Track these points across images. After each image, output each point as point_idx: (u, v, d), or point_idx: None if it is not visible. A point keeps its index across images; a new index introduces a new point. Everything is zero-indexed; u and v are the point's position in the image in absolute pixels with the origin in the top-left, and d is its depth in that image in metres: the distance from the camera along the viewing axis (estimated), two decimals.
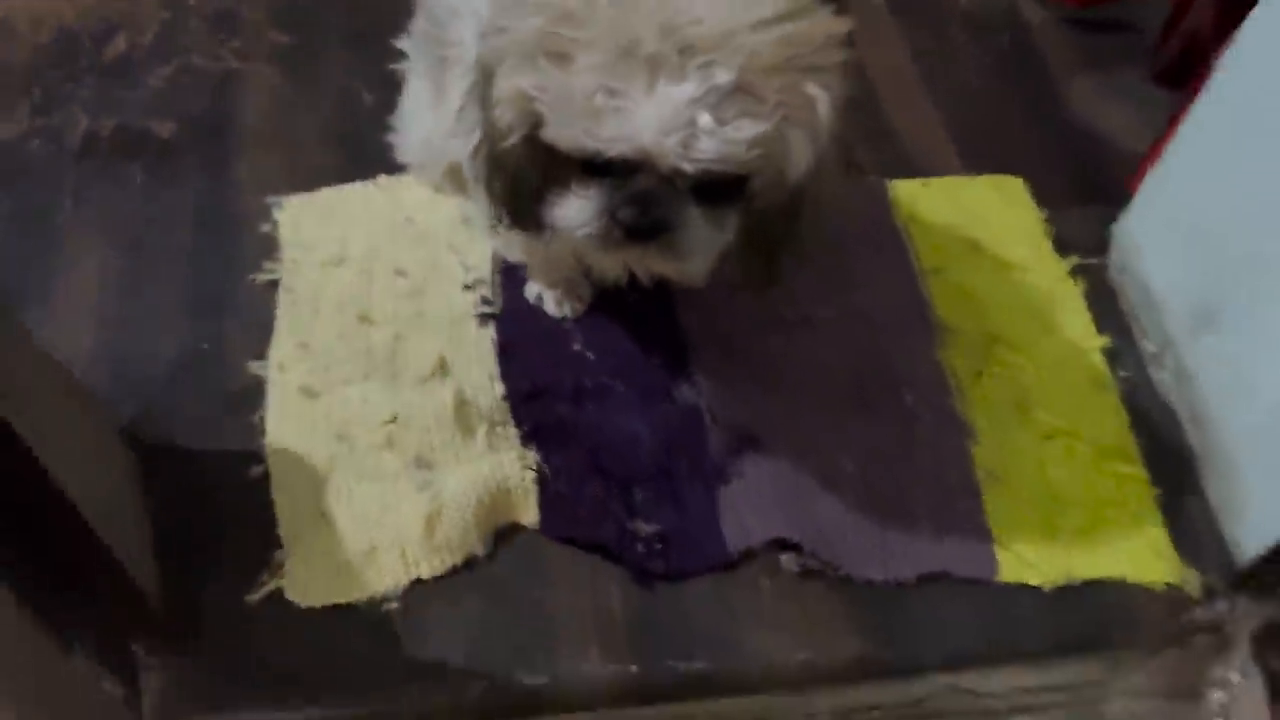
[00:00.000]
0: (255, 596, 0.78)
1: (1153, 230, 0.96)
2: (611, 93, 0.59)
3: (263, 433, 0.88)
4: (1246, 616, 0.80)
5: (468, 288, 0.99)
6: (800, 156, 0.63)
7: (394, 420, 0.88)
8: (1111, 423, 0.92)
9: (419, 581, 0.80)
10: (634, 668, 0.77)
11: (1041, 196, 1.09)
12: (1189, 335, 0.90)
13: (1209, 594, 0.82)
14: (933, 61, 1.22)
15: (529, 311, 0.97)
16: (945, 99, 1.18)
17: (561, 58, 0.61)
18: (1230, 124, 0.85)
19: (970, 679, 0.80)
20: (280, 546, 0.80)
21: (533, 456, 0.85)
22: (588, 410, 0.89)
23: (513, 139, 0.66)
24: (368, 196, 1.06)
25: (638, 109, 0.59)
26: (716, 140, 0.59)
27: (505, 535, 0.83)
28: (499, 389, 0.90)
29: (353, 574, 0.79)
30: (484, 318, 0.97)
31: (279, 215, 1.04)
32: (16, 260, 0.99)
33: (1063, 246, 1.06)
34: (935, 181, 1.10)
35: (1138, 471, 0.89)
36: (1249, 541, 0.82)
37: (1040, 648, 0.81)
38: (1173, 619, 0.81)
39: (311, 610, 0.78)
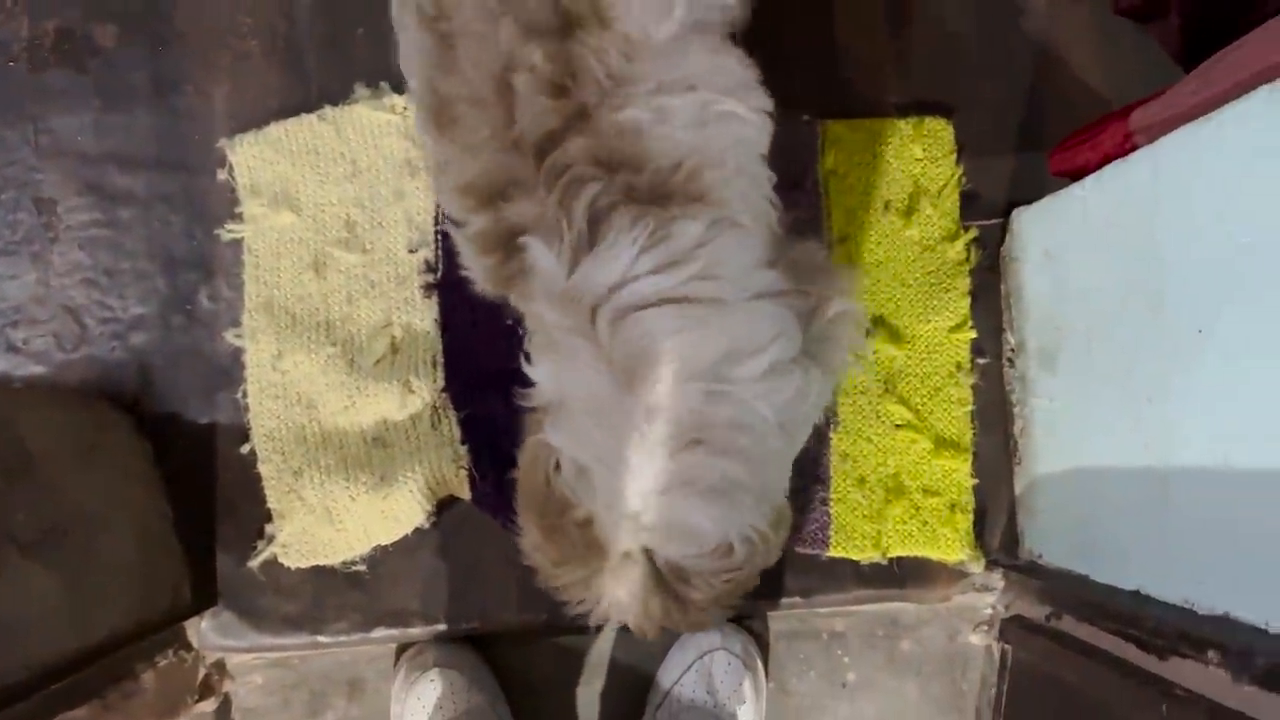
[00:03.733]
0: (255, 563, 1.05)
1: (1037, 241, 1.04)
2: None
3: (246, 408, 1.07)
4: (1007, 604, 1.06)
5: (411, 251, 1.10)
6: None
7: (352, 403, 1.06)
8: (956, 414, 1.09)
9: (380, 546, 1.05)
10: (544, 615, 1.05)
11: (969, 137, 1.12)
12: (1034, 356, 1.04)
13: (986, 577, 1.07)
14: None
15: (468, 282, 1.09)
16: (899, 8, 1.14)
17: None
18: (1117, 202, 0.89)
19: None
20: (270, 520, 1.05)
21: (464, 455, 1.05)
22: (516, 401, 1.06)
23: None
24: (315, 132, 1.12)
25: None
26: None
27: (445, 503, 1.07)
28: (440, 380, 1.07)
29: (328, 543, 1.05)
30: (428, 288, 1.10)
31: (233, 158, 1.11)
32: None
33: (972, 204, 1.12)
34: (863, 124, 1.13)
35: (964, 465, 1.08)
36: (1030, 544, 1.05)
37: (847, 598, 1.08)
38: (947, 588, 1.07)
39: (300, 570, 1.05)
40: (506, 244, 0.71)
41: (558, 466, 0.70)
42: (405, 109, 1.10)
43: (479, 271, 0.76)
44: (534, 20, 0.67)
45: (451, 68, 0.71)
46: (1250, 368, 0.70)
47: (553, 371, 0.70)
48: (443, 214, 1.08)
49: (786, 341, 0.70)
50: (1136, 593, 0.85)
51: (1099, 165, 0.96)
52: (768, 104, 0.76)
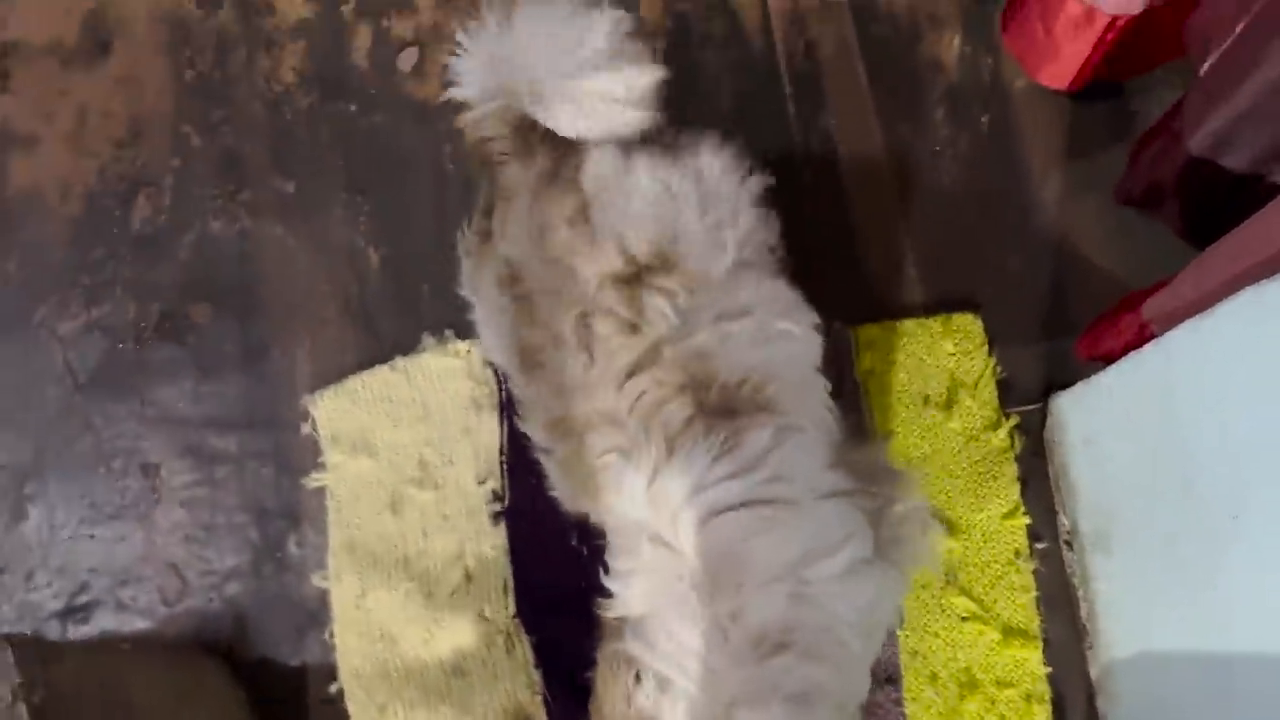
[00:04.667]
0: None
1: (1075, 426, 1.07)
2: None
3: (333, 648, 1.13)
4: None
5: (480, 483, 1.17)
6: None
7: (431, 636, 1.11)
8: (1021, 601, 1.10)
9: None
10: None
11: (998, 327, 1.18)
12: (1088, 539, 1.05)
13: None
14: (908, 157, 1.24)
15: (533, 505, 1.16)
16: (916, 212, 1.22)
17: None
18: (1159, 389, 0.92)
19: None
20: None
21: (538, 680, 1.09)
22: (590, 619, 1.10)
23: None
24: (388, 381, 1.22)
25: None
26: None
27: None
28: (511, 606, 1.12)
29: None
30: (496, 516, 1.16)
31: (315, 413, 1.21)
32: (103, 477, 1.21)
33: (1009, 392, 1.16)
34: (894, 326, 1.19)
35: (1035, 654, 1.08)
36: None
37: None
38: None
39: None
40: (591, 465, 0.78)
41: (638, 678, 0.72)
42: (469, 352, 1.20)
43: (565, 491, 0.83)
44: (610, 270, 0.76)
45: (532, 320, 0.80)
46: None
47: (633, 581, 0.74)
48: (505, 444, 1.16)
49: (860, 540, 0.75)
50: None
51: (1123, 351, 1.01)
52: (816, 319, 0.83)
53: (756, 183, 0.83)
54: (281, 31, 1.36)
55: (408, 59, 1.33)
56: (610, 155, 0.79)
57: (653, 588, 0.73)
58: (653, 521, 0.72)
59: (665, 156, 0.79)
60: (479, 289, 0.89)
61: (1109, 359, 1.04)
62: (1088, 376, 1.10)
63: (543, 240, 0.80)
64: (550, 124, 0.81)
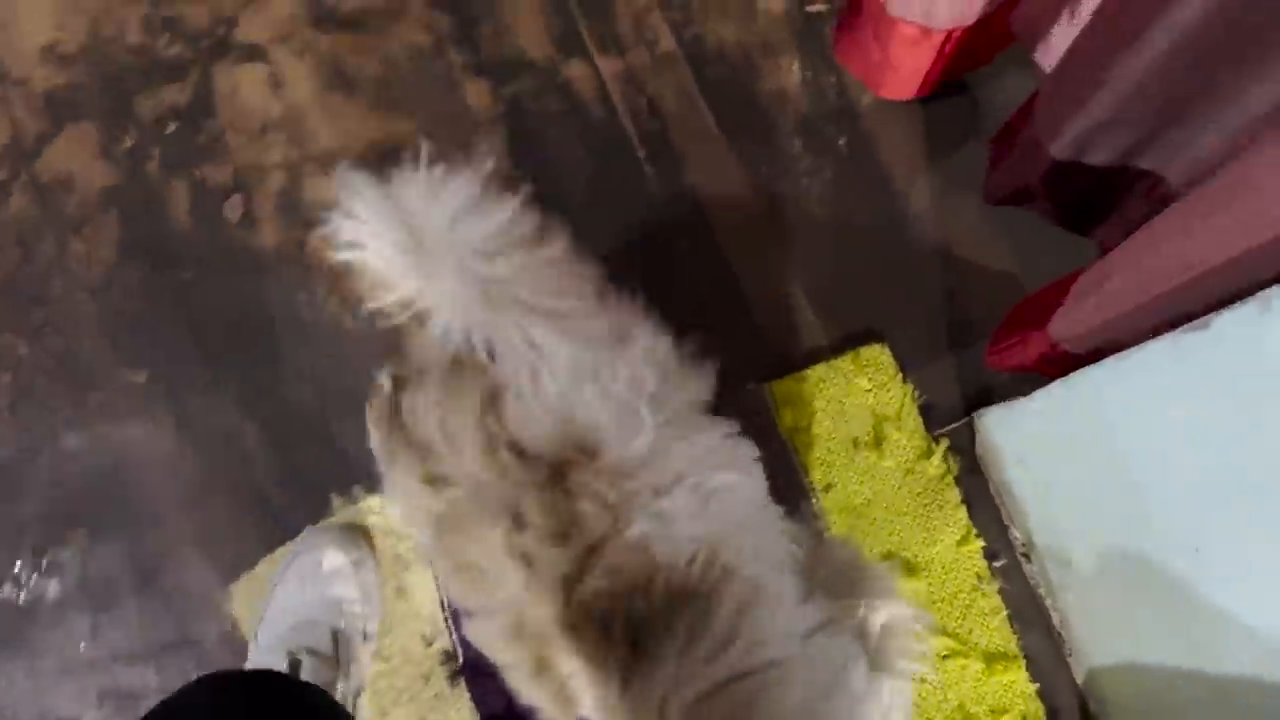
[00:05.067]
0: None
1: (1005, 444, 1.06)
2: None
3: None
4: None
5: (428, 644, 1.11)
6: None
7: None
8: (994, 624, 1.09)
9: None
10: None
11: (906, 352, 1.16)
12: (1045, 554, 1.05)
13: None
14: (776, 196, 1.21)
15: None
16: (798, 251, 1.19)
17: None
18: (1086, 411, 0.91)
19: None
20: None
21: None
22: None
23: None
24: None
25: None
26: None
27: None
28: None
29: None
30: (454, 676, 1.10)
31: (234, 610, 1.12)
32: None
33: (932, 414, 1.15)
34: (805, 374, 1.16)
35: (1020, 674, 1.07)
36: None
37: None
38: None
39: None
40: (554, 681, 0.72)
41: None
42: (383, 508, 1.13)
43: (534, 700, 0.77)
44: (530, 478, 0.70)
45: (457, 527, 0.74)
46: (1257, 584, 0.71)
47: None
48: (444, 597, 1.10)
49: (856, 664, 0.71)
50: None
51: (1035, 364, 1.00)
52: (754, 451, 0.79)
53: (665, 344, 0.78)
54: (87, 207, 1.24)
55: (233, 208, 1.23)
56: (515, 333, 0.73)
57: None
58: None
59: (569, 330, 0.73)
60: (394, 477, 0.81)
61: (1021, 370, 1.04)
62: (1006, 382, 1.09)
63: (456, 436, 0.73)
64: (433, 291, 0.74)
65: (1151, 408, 0.76)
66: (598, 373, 0.72)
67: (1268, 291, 0.61)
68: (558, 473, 0.71)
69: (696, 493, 0.72)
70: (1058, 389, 0.91)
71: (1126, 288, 0.82)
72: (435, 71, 1.25)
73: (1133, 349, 0.76)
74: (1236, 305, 0.63)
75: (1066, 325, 0.92)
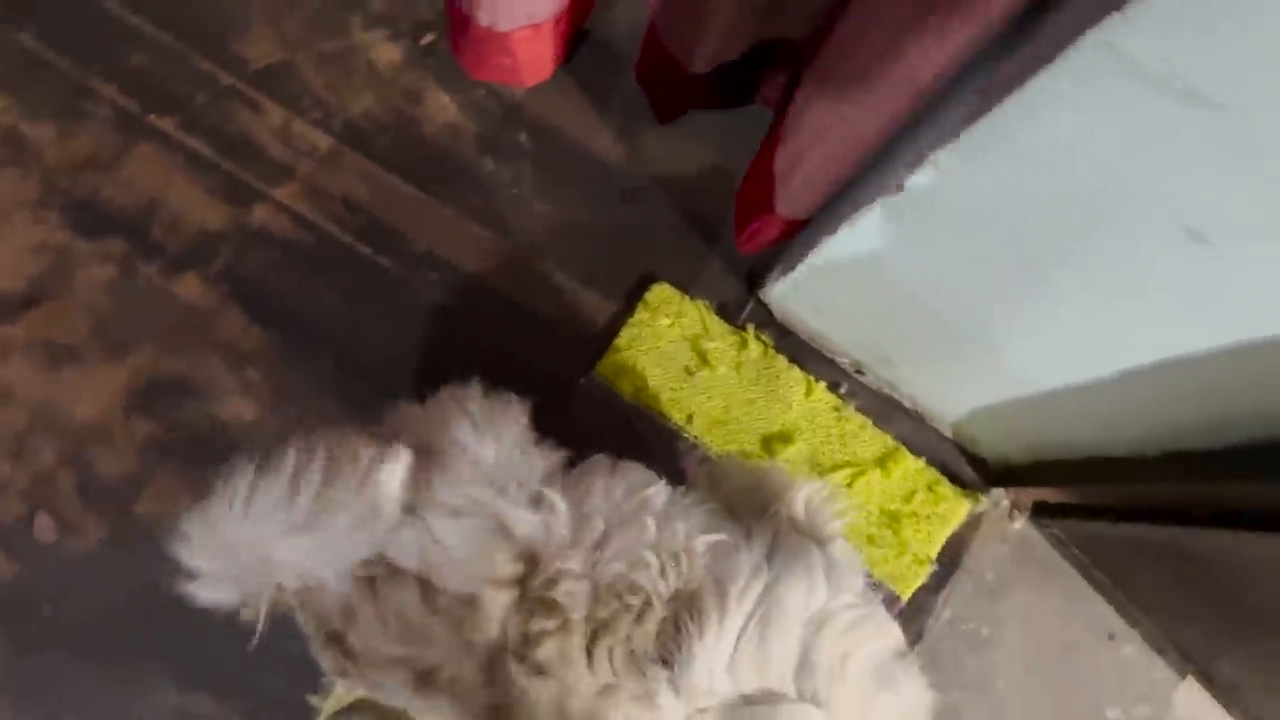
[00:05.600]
0: None
1: (800, 303, 1.22)
2: None
3: None
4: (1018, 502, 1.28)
5: None
6: None
7: None
8: (866, 435, 1.28)
9: None
10: None
11: (681, 277, 1.29)
12: (873, 365, 1.24)
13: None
14: (502, 218, 1.29)
15: None
16: (548, 252, 1.29)
17: None
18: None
19: None
20: None
21: None
22: None
23: None
24: None
25: None
26: None
27: None
28: None
29: None
30: None
31: None
32: None
33: (730, 309, 1.30)
34: (618, 344, 1.28)
35: (906, 458, 1.27)
36: (993, 459, 1.26)
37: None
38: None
39: None
40: None
41: None
42: None
43: None
44: (498, 621, 0.78)
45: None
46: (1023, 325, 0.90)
47: None
48: None
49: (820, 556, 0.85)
50: (1090, 458, 1.06)
51: (782, 237, 1.15)
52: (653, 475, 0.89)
53: (553, 459, 0.86)
54: None
55: (44, 529, 1.20)
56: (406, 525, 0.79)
57: None
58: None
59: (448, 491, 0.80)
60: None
61: (774, 243, 1.19)
62: (770, 254, 1.24)
63: (409, 635, 0.80)
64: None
65: (897, 257, 0.92)
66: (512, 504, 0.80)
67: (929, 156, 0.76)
68: (518, 589, 0.79)
69: (640, 518, 0.82)
70: (819, 253, 1.06)
71: (816, 162, 0.96)
72: (138, 292, 1.24)
73: (857, 213, 0.90)
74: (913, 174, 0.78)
75: (788, 205, 1.07)
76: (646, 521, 0.83)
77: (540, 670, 0.77)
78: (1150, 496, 0.99)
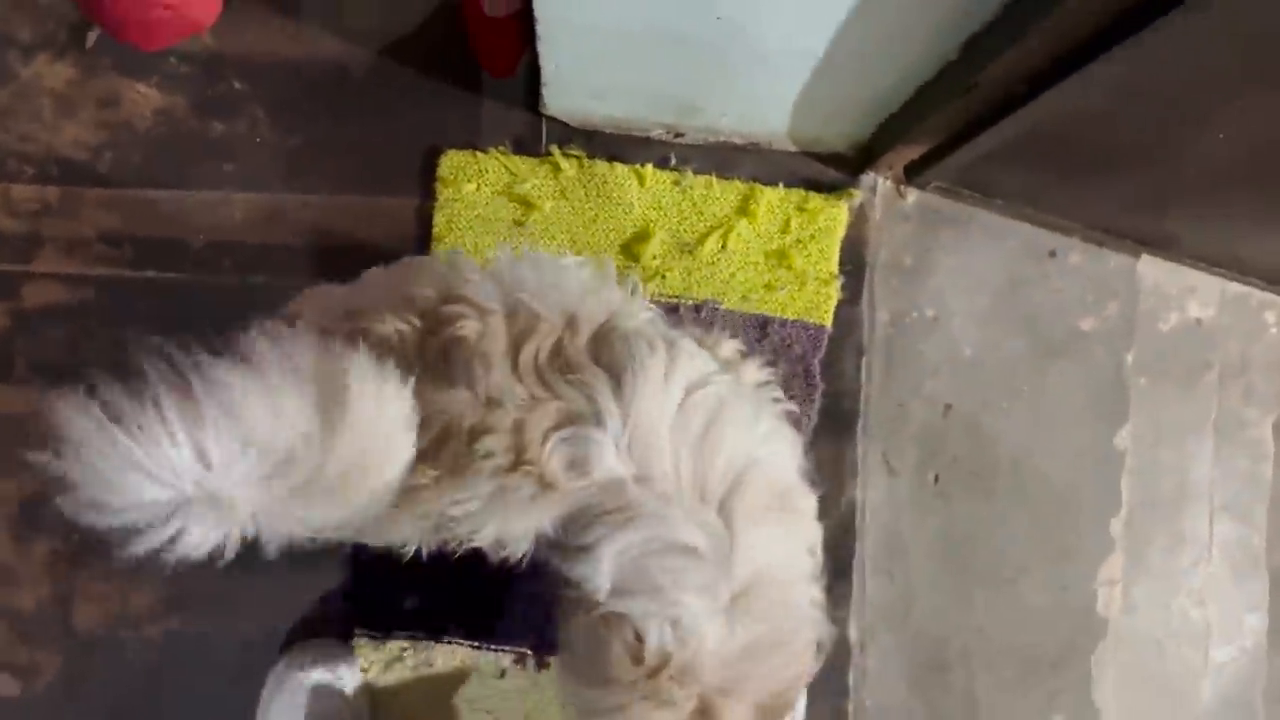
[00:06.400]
0: None
1: (583, 101, 1.13)
2: None
3: None
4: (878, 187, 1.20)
5: None
6: None
7: None
8: (718, 191, 1.20)
9: None
10: None
11: (461, 138, 1.20)
12: (686, 119, 1.15)
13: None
14: (271, 210, 1.20)
15: None
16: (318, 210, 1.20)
17: None
18: None
19: None
20: None
21: None
22: None
23: None
24: None
25: None
26: None
27: None
28: None
29: None
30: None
31: None
32: None
33: (526, 146, 1.21)
34: (437, 232, 1.20)
35: (768, 192, 1.20)
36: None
37: None
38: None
39: None
40: None
41: (638, 636, 0.70)
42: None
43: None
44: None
45: None
46: None
47: (605, 545, 0.70)
48: None
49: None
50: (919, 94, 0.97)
51: (514, 47, 1.05)
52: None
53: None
54: None
55: None
56: None
57: (636, 537, 0.69)
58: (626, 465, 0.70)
59: None
60: None
61: (517, 58, 1.09)
62: (528, 69, 1.14)
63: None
64: None
65: None
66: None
67: None
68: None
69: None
70: (549, 36, 0.96)
71: None
72: None
73: None
74: None
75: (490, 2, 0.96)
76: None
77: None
78: (981, 99, 0.90)
